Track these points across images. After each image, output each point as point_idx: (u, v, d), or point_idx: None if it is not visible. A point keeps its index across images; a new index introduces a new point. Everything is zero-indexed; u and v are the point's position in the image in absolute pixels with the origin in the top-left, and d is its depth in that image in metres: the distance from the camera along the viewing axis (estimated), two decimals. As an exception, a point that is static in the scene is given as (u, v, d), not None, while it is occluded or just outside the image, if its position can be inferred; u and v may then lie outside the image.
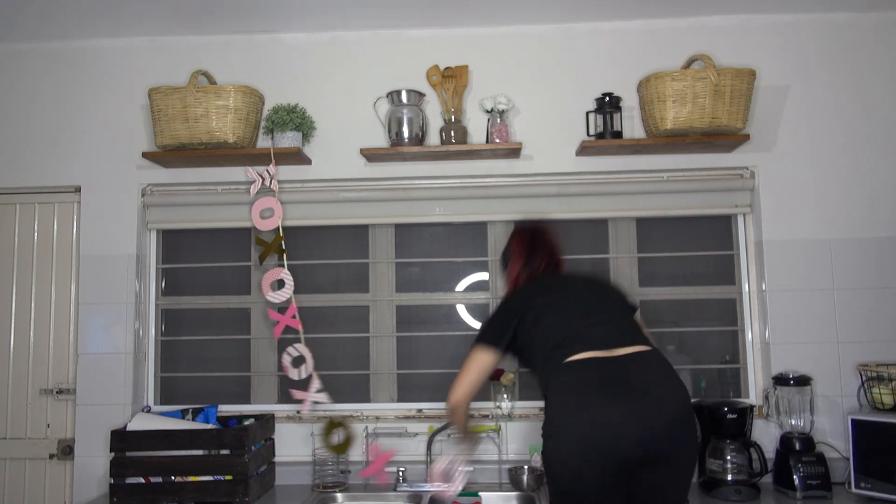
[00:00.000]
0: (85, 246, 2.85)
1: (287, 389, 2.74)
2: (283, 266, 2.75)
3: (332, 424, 2.68)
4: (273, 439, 2.76)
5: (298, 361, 2.71)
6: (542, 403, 2.76)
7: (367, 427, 2.76)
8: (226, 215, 2.89)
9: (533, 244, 2.27)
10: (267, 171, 2.73)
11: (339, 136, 2.84)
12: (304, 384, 2.70)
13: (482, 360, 2.09)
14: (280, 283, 2.74)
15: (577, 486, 1.82)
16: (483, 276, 2.88)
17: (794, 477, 2.41)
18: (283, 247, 2.74)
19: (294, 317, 2.71)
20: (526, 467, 2.61)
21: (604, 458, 1.79)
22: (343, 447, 2.65)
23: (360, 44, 2.88)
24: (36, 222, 2.94)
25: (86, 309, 2.82)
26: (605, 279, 2.39)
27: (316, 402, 2.67)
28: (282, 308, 2.73)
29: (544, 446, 1.89)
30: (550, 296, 2.09)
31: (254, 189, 2.75)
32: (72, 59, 2.92)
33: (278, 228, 2.76)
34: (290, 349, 2.71)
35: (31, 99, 2.91)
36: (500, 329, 2.10)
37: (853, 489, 2.39)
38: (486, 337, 2.11)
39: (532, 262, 2.24)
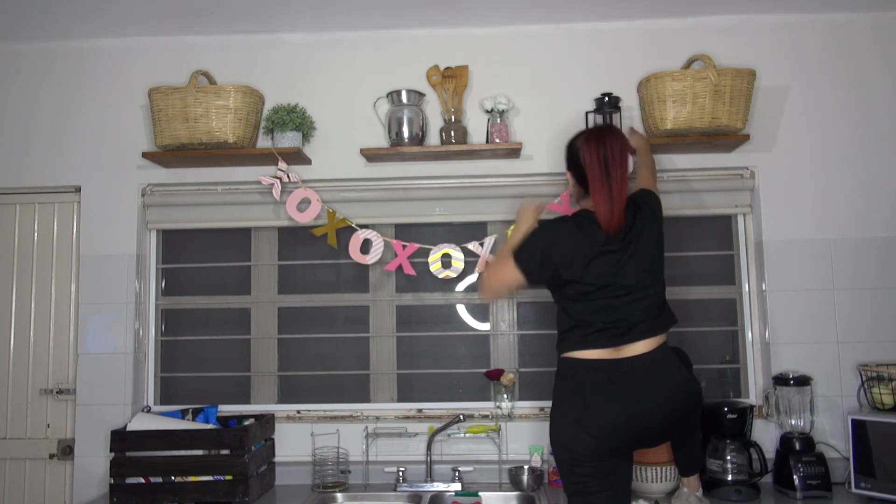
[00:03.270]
0: (85, 246, 2.85)
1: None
2: (357, 230, 2.76)
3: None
4: (273, 439, 2.76)
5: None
6: (541, 404, 2.79)
7: (367, 427, 2.76)
8: (226, 215, 2.90)
9: (607, 164, 2.06)
10: (279, 170, 2.74)
11: (339, 136, 2.84)
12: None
13: (508, 275, 2.11)
14: (366, 246, 2.75)
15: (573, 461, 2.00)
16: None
17: (794, 477, 2.41)
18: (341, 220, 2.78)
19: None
20: (526, 467, 2.61)
21: (597, 441, 1.96)
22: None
23: (360, 44, 2.88)
24: (36, 222, 2.94)
25: (86, 309, 2.82)
26: (656, 233, 2.12)
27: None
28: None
29: (550, 424, 2.06)
30: (593, 260, 2.03)
31: (276, 191, 2.75)
32: (72, 59, 2.92)
33: (322, 212, 2.76)
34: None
35: (31, 99, 2.91)
36: (535, 263, 2.08)
37: (853, 489, 2.39)
38: (519, 259, 2.09)
39: (603, 189, 2.05)
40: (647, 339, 2.01)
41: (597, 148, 2.08)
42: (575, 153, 2.17)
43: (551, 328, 2.83)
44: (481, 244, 2.75)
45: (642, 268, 2.06)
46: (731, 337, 2.85)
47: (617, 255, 2.04)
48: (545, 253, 2.07)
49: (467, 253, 2.77)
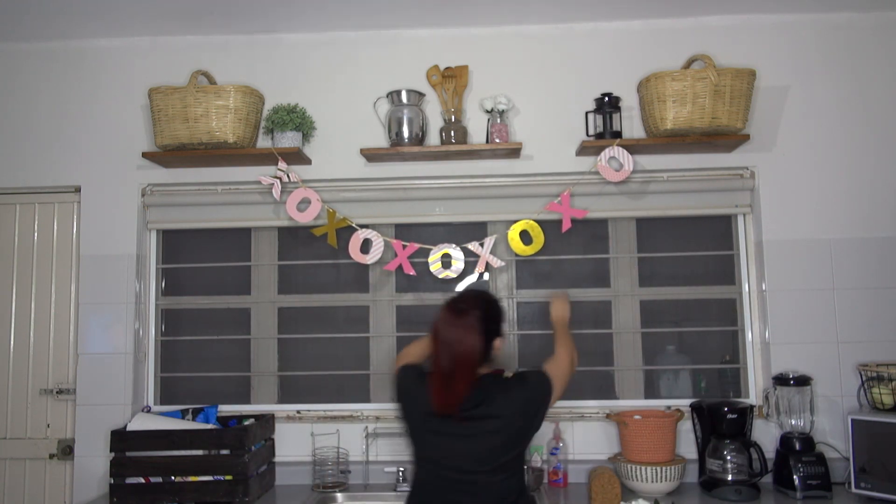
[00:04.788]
0: (85, 246, 2.85)
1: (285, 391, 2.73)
2: (357, 229, 2.75)
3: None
4: (273, 439, 2.76)
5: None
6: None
7: (367, 427, 2.76)
8: (226, 215, 2.90)
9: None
10: (279, 170, 2.74)
11: (339, 136, 2.84)
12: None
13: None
14: (366, 246, 2.75)
15: None
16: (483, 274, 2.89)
17: (794, 477, 2.41)
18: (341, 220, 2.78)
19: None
20: (526, 467, 2.61)
21: None
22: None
23: (360, 44, 2.88)
24: (36, 222, 2.94)
25: (86, 309, 2.82)
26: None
27: None
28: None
29: None
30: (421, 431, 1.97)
31: (276, 191, 2.75)
32: (72, 59, 2.92)
33: (321, 212, 2.76)
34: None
35: (31, 99, 2.91)
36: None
37: (853, 489, 2.38)
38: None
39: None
40: None
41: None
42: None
43: (551, 328, 2.84)
44: (481, 244, 2.75)
45: (477, 455, 1.88)
46: (731, 337, 2.85)
47: (445, 437, 1.91)
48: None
49: (467, 253, 2.77)
